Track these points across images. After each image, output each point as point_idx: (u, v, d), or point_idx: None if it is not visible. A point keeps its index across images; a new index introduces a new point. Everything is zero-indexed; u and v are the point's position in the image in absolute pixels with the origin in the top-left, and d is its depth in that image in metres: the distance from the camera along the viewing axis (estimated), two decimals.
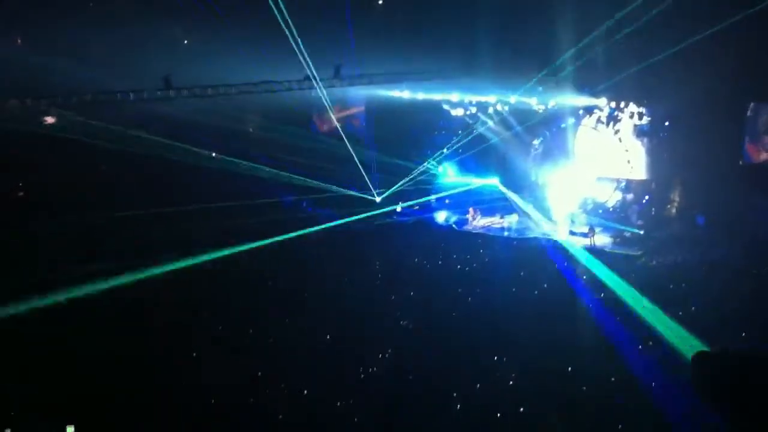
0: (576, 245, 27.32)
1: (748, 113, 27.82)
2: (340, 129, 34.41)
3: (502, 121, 33.01)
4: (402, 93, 33.31)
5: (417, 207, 32.48)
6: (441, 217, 31.54)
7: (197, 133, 28.05)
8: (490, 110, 32.96)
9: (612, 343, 17.08)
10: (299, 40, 27.98)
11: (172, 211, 25.83)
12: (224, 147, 29.00)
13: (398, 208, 31.79)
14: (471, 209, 30.96)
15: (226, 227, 25.56)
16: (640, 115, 30.07)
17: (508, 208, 31.35)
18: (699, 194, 28.32)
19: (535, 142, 33.46)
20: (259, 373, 15.66)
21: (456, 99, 33.20)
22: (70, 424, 12.55)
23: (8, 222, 23.91)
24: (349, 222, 28.50)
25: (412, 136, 32.94)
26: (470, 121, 33.53)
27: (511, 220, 30.51)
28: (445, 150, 33.73)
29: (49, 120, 26.27)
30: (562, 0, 25.88)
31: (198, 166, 28.27)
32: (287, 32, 27.76)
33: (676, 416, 13.53)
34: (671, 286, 21.10)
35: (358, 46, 27.89)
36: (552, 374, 15.52)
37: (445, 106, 33.75)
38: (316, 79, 29.06)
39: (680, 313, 18.88)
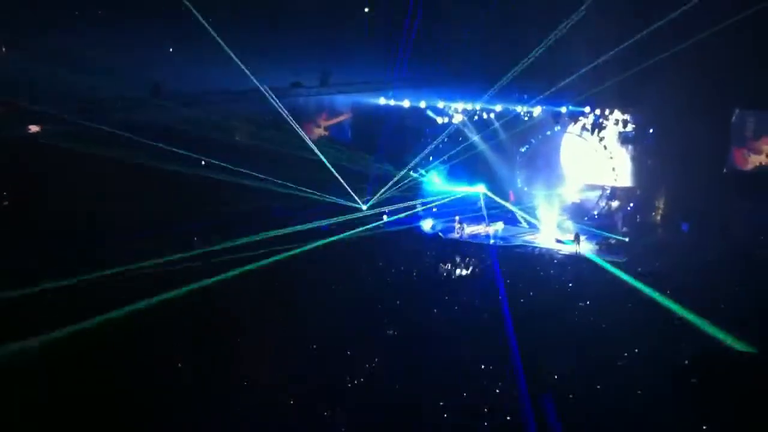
0: (562, 252, 27.46)
1: (733, 120, 28.06)
2: (326, 137, 34.52)
3: (488, 128, 33.13)
4: (389, 100, 33.37)
5: (403, 215, 32.51)
6: (427, 225, 31.54)
7: (185, 140, 27.96)
8: (476, 118, 33.08)
9: (599, 349, 17.17)
10: (288, 47, 28.13)
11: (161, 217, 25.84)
12: (210, 154, 28.90)
13: (384, 217, 31.80)
14: (457, 217, 31.01)
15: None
16: (625, 123, 30.28)
17: (493, 216, 31.39)
18: (683, 201, 28.52)
19: (522, 149, 33.60)
20: (245, 383, 15.62)
21: (442, 106, 33.30)
22: None
23: None
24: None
25: (398, 143, 33.00)
26: (456, 129, 33.63)
27: (497, 228, 30.54)
28: (431, 158, 33.81)
29: (34, 128, 26.16)
30: (549, 8, 26.07)
31: (185, 173, 28.19)
32: (276, 40, 27.92)
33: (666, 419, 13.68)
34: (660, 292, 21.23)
35: (346, 54, 27.99)
36: (538, 382, 15.56)
37: (431, 114, 33.83)
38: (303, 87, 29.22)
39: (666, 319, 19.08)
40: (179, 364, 16.49)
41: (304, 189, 29.70)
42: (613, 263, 25.24)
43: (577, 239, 27.55)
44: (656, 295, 20.78)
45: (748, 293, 20.83)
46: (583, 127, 31.58)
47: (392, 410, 14.47)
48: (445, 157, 33.80)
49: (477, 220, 31.65)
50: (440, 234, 30.50)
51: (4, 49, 26.65)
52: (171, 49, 28.95)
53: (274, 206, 29.54)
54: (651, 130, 29.83)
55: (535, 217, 31.17)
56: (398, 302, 21.00)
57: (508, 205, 32.42)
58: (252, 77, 26.94)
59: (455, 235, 30.35)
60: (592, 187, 32.54)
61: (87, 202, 25.67)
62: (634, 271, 23.65)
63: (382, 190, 31.64)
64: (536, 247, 28.49)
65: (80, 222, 24.50)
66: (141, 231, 24.79)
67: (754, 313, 18.55)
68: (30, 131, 26.17)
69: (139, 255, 22.56)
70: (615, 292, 21.81)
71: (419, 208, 32.87)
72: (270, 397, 14.99)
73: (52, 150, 25.20)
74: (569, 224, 30.44)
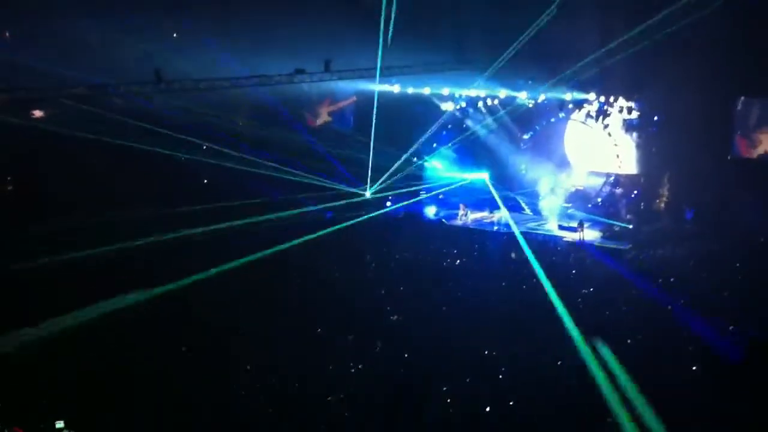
0: (565, 239, 27.43)
1: (738, 107, 27.93)
2: (329, 123, 34.45)
3: (492, 115, 33.02)
4: (392, 87, 33.22)
5: (407, 201, 32.43)
6: (431, 211, 31.51)
7: (187, 127, 27.97)
8: (480, 104, 32.95)
9: (602, 337, 17.14)
10: (290, 33, 28.02)
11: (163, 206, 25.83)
12: (213, 141, 28.93)
13: (388, 203, 31.75)
14: (461, 204, 30.98)
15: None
16: (630, 110, 30.12)
17: (497, 203, 31.34)
18: (688, 188, 28.43)
19: (525, 136, 33.51)
20: (248, 367, 15.65)
21: (446, 93, 33.16)
22: (59, 419, 12.49)
23: None
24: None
25: (401, 130, 32.87)
26: (460, 116, 33.54)
27: (501, 214, 30.52)
28: (434, 144, 33.72)
29: (38, 113, 26.18)
30: None
31: (188, 159, 28.23)
32: (278, 25, 27.82)
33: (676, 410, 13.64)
34: (660, 280, 21.18)
35: (349, 40, 27.86)
36: (542, 368, 15.57)
37: (435, 101, 33.71)
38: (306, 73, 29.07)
39: (669, 307, 19.02)
40: (183, 348, 16.57)
41: (307, 175, 29.70)
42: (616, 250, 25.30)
43: (581, 226, 27.49)
44: None
45: (751, 282, 20.83)
46: (588, 114, 31.42)
47: (394, 396, 14.50)
48: (449, 144, 33.70)
49: (480, 206, 31.63)
50: (444, 220, 30.49)
51: (7, 34, 26.66)
52: (175, 35, 28.90)
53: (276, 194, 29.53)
54: (656, 118, 29.69)
55: (538, 204, 31.11)
56: (401, 288, 21.03)
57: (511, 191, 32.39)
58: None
59: (458, 222, 30.34)
60: (596, 175, 32.43)
61: (88, 187, 25.81)
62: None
63: (386, 177, 31.57)
64: (540, 233, 28.47)
65: (81, 206, 24.57)
66: (140, 214, 24.81)
67: (757, 303, 18.52)
68: (32, 117, 26.19)
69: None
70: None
71: (423, 194, 32.84)
72: (272, 382, 15.03)
73: (55, 135, 25.23)
74: (573, 211, 30.39)
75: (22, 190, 27.19)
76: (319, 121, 34.38)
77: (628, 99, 29.99)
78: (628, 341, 16.87)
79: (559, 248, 26.37)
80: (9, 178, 27.69)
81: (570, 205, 31.11)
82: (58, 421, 12.37)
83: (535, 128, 33.20)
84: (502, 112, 32.78)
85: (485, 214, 31.06)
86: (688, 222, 27.89)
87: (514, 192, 32.65)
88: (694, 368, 15.45)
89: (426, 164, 33.91)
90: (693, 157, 27.47)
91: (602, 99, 30.40)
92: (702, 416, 13.29)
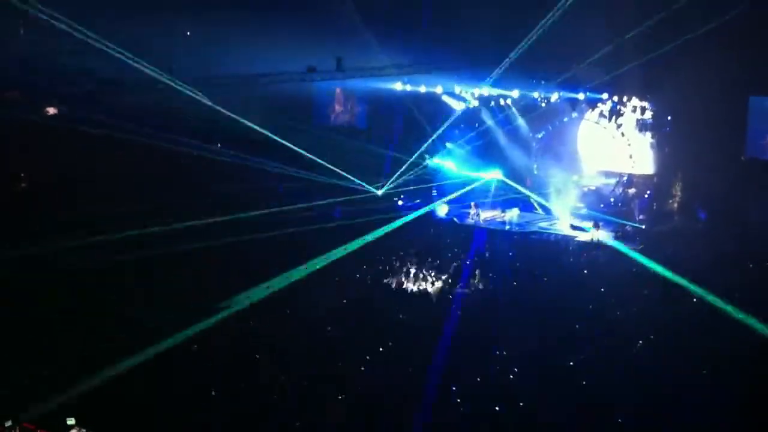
0: (577, 239, 27.34)
1: (751, 107, 27.73)
2: (341, 121, 34.43)
3: (504, 114, 32.96)
4: (404, 86, 33.18)
5: (418, 200, 32.36)
6: (442, 210, 31.43)
7: (198, 124, 27.99)
8: (492, 103, 32.90)
9: (614, 337, 17.10)
10: (302, 31, 28.05)
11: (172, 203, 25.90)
12: (225, 139, 28.96)
13: (399, 202, 31.73)
14: (472, 203, 30.89)
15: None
16: (643, 110, 30.02)
17: (509, 202, 31.26)
18: (701, 188, 28.28)
19: (538, 135, 33.41)
20: (253, 359, 15.70)
21: (458, 92, 33.09)
22: (70, 417, 12.53)
23: (10, 213, 23.98)
24: None
25: (413, 129, 32.84)
26: (473, 115, 33.47)
27: (512, 214, 30.41)
28: (446, 143, 33.68)
29: (51, 111, 26.26)
30: None
31: (200, 157, 28.26)
32: (290, 23, 27.85)
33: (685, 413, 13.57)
34: None
35: (361, 38, 27.88)
36: (553, 368, 15.53)
37: (447, 99, 33.64)
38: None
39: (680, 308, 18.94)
40: (195, 346, 16.60)
41: (318, 173, 29.68)
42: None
43: (596, 227, 27.29)
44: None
45: (765, 283, 20.72)
46: (601, 114, 31.33)
47: (401, 396, 14.49)
48: (461, 143, 33.66)
49: (492, 206, 31.56)
50: (455, 219, 30.43)
51: (22, 32, 26.74)
52: (188, 33, 28.94)
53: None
54: (669, 117, 29.56)
55: (551, 203, 31.00)
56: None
57: (524, 190, 32.21)
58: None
59: (470, 221, 30.27)
60: (609, 174, 32.32)
61: (103, 184, 25.89)
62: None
63: (397, 176, 31.57)
64: (552, 233, 28.39)
65: (96, 204, 24.65)
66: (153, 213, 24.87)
67: None
68: (47, 113, 26.28)
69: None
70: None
71: (434, 193, 32.80)
72: (279, 383, 15.04)
73: (69, 132, 25.29)
74: (585, 211, 30.28)
75: (34, 188, 27.26)
76: (331, 119, 34.44)
77: (641, 99, 29.89)
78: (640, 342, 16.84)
79: (570, 248, 26.28)
80: (23, 175, 27.77)
81: (582, 204, 30.99)
82: (69, 418, 12.39)
83: (548, 128, 33.10)
84: (514, 111, 32.72)
85: (497, 213, 30.96)
86: (701, 222, 27.73)
87: (526, 191, 32.52)
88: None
89: (438, 163, 33.83)
90: (706, 157, 27.31)
91: (615, 99, 30.32)
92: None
